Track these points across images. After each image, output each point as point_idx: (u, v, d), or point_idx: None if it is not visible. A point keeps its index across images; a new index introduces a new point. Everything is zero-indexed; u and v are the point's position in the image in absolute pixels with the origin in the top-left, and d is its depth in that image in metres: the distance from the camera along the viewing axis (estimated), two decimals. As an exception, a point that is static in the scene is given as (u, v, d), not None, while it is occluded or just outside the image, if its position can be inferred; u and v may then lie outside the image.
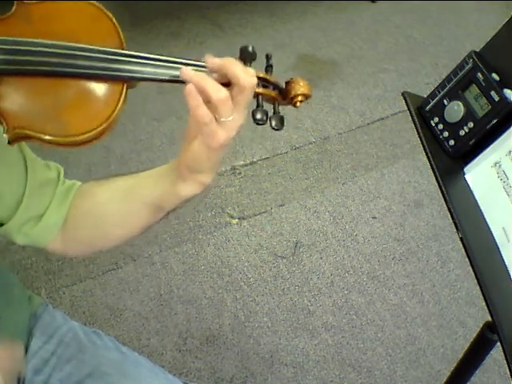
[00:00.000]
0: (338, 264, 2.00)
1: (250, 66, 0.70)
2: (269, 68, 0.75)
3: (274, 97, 0.75)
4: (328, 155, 2.36)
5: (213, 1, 2.97)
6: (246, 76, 0.65)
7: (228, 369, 1.70)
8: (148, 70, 0.67)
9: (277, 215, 2.12)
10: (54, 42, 0.64)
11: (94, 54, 0.64)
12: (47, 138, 0.63)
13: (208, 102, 0.65)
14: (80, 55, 0.64)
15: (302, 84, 0.74)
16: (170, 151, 2.20)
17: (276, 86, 0.75)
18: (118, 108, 0.65)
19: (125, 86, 0.66)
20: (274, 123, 0.71)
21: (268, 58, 0.76)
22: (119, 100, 0.66)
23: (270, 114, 0.72)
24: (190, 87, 0.64)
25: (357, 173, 2.30)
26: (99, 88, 0.65)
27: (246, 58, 0.71)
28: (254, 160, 2.29)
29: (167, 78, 0.68)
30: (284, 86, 0.76)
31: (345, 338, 1.81)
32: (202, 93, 0.64)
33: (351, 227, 2.11)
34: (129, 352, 0.99)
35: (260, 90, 0.71)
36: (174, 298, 1.84)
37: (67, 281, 1.85)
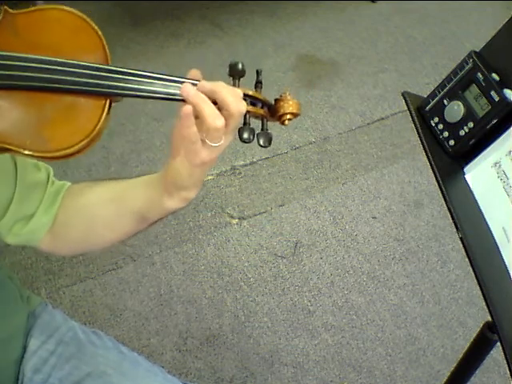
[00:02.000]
0: (338, 264, 2.00)
1: (239, 83, 0.70)
2: (258, 84, 0.74)
3: (263, 114, 0.73)
4: (328, 155, 2.36)
5: (213, 1, 2.97)
6: (236, 103, 0.65)
7: (228, 369, 1.70)
8: (132, 87, 0.66)
9: (277, 215, 2.12)
10: (37, 57, 0.63)
11: (77, 70, 0.63)
12: (27, 152, 0.62)
13: (196, 118, 0.65)
14: (63, 70, 0.63)
15: (291, 103, 0.74)
16: (170, 151, 2.20)
17: (265, 104, 0.74)
18: (100, 123, 0.64)
19: (107, 101, 0.65)
20: (261, 141, 0.70)
21: (258, 73, 0.75)
22: (101, 115, 0.64)
23: (258, 130, 0.71)
24: (188, 110, 0.64)
25: (357, 173, 2.30)
26: (81, 103, 0.64)
27: (235, 74, 0.70)
28: (254, 160, 2.29)
29: (152, 94, 0.67)
30: (273, 103, 0.75)
31: (345, 338, 1.81)
32: (197, 113, 0.64)
33: (351, 227, 2.11)
34: (128, 352, 0.99)
35: (248, 107, 0.70)
36: (174, 298, 1.84)
37: (67, 281, 1.85)
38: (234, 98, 0.66)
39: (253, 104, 0.72)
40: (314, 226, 2.10)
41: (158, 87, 0.67)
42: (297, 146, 2.37)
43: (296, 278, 1.94)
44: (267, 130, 0.72)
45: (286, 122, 0.74)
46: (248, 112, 0.70)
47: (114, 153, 2.22)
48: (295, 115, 0.74)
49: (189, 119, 0.64)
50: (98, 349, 0.96)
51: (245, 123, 0.70)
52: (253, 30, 2.88)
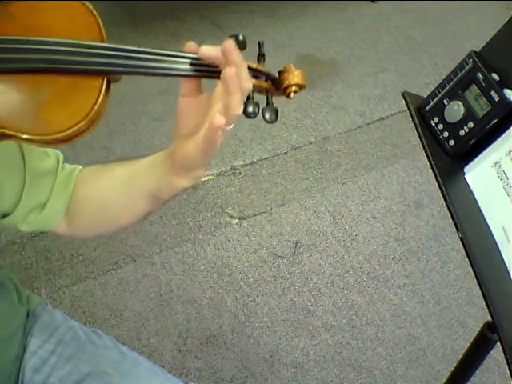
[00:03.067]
0: (338, 264, 2.00)
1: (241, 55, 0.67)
2: (261, 57, 0.72)
3: (267, 88, 0.71)
4: (328, 155, 2.36)
5: (213, 1, 2.97)
6: (247, 80, 0.64)
7: (228, 369, 1.70)
8: (128, 63, 0.65)
9: (277, 215, 2.12)
10: (33, 38, 0.62)
11: (72, 49, 0.63)
12: (25, 136, 0.61)
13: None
14: (57, 50, 0.62)
15: (295, 73, 0.71)
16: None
17: (268, 77, 0.72)
18: (98, 103, 0.63)
19: (105, 80, 0.64)
20: (267, 115, 0.67)
21: (260, 45, 0.73)
22: (99, 95, 0.63)
23: (263, 106, 0.68)
24: (231, 71, 0.61)
25: (357, 173, 2.30)
26: (78, 84, 0.63)
27: (237, 47, 0.67)
28: (254, 160, 2.29)
29: (149, 70, 0.66)
30: (277, 76, 0.72)
31: (345, 338, 1.81)
32: (226, 100, 0.62)
33: (351, 227, 2.11)
34: (128, 352, 0.99)
35: (252, 81, 0.67)
36: (174, 298, 1.84)
37: (67, 281, 1.85)
38: (248, 76, 0.65)
39: (256, 77, 0.70)
40: (313, 226, 2.10)
41: (156, 63, 0.67)
42: (297, 146, 2.37)
43: (296, 277, 1.94)
44: (273, 104, 0.69)
45: (292, 94, 0.72)
46: (252, 86, 0.67)
47: (114, 153, 2.22)
48: (301, 86, 0.72)
49: (220, 131, 0.62)
50: (98, 348, 0.96)
51: (248, 97, 0.66)
52: (253, 29, 2.88)
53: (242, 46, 0.66)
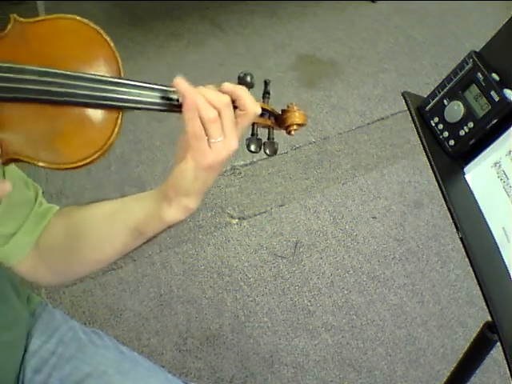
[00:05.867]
0: (338, 264, 2.00)
1: None
2: (266, 95, 0.76)
3: (270, 125, 0.76)
4: (328, 155, 2.36)
5: (213, 1, 2.97)
6: (254, 104, 0.68)
7: (228, 369, 1.70)
8: (146, 100, 0.67)
9: (277, 215, 2.12)
10: (49, 70, 0.62)
11: (90, 84, 0.63)
12: (41, 164, 0.62)
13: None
14: (76, 84, 0.62)
15: (297, 114, 0.76)
16: (170, 151, 2.20)
17: (272, 114, 0.76)
18: (113, 136, 0.64)
19: (120, 114, 0.65)
20: (268, 151, 0.73)
21: (266, 84, 0.77)
22: (114, 128, 0.64)
23: (264, 139, 0.73)
24: (189, 100, 0.65)
25: (357, 173, 2.30)
26: (94, 116, 0.64)
27: (244, 86, 0.70)
28: (254, 160, 2.29)
29: (164, 107, 0.68)
30: (280, 113, 0.77)
31: (345, 337, 1.81)
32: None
33: (351, 227, 2.11)
34: (128, 352, 0.99)
35: (256, 119, 0.71)
36: (174, 298, 1.84)
37: (67, 281, 1.85)
38: (251, 100, 0.68)
39: (261, 115, 0.73)
40: (313, 226, 2.10)
41: (171, 101, 0.68)
42: (297, 146, 2.37)
43: (296, 277, 1.94)
44: (273, 139, 0.75)
45: (292, 132, 0.77)
46: (256, 123, 0.72)
47: (114, 153, 2.22)
48: (301, 126, 0.77)
49: (192, 111, 0.65)
50: (98, 348, 0.96)
51: (252, 133, 0.72)
52: (253, 29, 2.88)
53: (249, 85, 0.71)
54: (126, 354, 0.98)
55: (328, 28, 2.98)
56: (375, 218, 2.15)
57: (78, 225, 0.80)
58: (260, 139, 0.72)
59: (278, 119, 0.77)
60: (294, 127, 0.76)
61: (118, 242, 0.77)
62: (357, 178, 2.28)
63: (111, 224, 0.76)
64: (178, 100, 0.68)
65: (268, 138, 0.74)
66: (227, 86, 0.69)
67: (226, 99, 0.67)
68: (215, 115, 0.65)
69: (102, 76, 0.64)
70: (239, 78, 0.71)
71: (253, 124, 0.72)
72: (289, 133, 0.77)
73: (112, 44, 0.66)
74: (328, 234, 2.08)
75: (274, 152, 0.73)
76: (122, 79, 0.65)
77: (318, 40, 2.90)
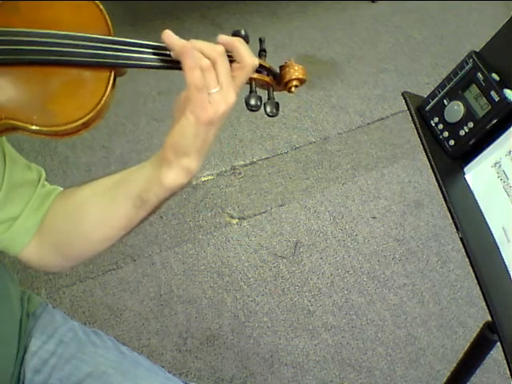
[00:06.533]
0: (338, 264, 2.00)
1: None
2: (262, 52, 0.74)
3: (268, 82, 0.73)
4: (328, 155, 2.36)
5: (213, 1, 2.97)
6: (250, 55, 0.67)
7: (228, 369, 1.70)
8: (136, 56, 0.66)
9: (277, 215, 2.12)
10: (41, 31, 0.63)
11: (79, 42, 0.64)
12: (34, 128, 0.62)
13: None
14: (66, 43, 0.63)
15: (296, 68, 0.73)
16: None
17: (270, 71, 0.73)
18: (105, 96, 0.64)
19: (112, 73, 0.65)
20: (268, 109, 0.69)
21: (261, 41, 0.74)
22: (106, 88, 0.64)
23: (265, 100, 0.70)
24: (185, 44, 0.64)
25: (357, 173, 2.30)
26: (86, 76, 0.64)
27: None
28: (254, 160, 2.29)
29: (157, 63, 0.67)
30: (278, 71, 0.74)
31: (345, 337, 1.81)
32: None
33: (351, 227, 2.11)
34: (128, 352, 0.99)
35: (254, 75, 0.70)
36: (174, 298, 1.84)
37: (67, 281, 1.85)
38: (248, 51, 0.67)
39: (258, 72, 0.71)
40: (314, 226, 2.10)
41: (161, 56, 0.67)
42: (297, 146, 2.37)
43: (296, 277, 1.94)
44: (274, 98, 0.71)
45: (293, 88, 0.73)
46: (254, 79, 0.70)
47: (114, 153, 2.22)
48: (301, 81, 0.73)
49: (191, 57, 0.64)
50: (98, 349, 0.96)
51: (251, 91, 0.69)
52: (253, 29, 2.85)
53: (244, 40, 0.68)
54: (126, 354, 0.98)
55: (328, 28, 2.98)
56: (375, 217, 2.15)
57: (79, 203, 0.79)
58: (260, 96, 0.69)
59: (277, 77, 0.74)
60: (294, 83, 0.73)
61: (121, 215, 0.74)
62: (357, 178, 2.28)
63: (112, 197, 0.75)
64: (170, 55, 0.67)
65: (268, 98, 0.71)
66: (223, 37, 0.68)
67: (220, 48, 0.66)
68: (207, 63, 0.64)
69: (93, 35, 0.65)
70: (233, 33, 0.69)
71: (250, 81, 0.69)
72: (289, 90, 0.73)
73: (101, 6, 0.67)
74: (328, 234, 2.08)
75: (277, 110, 0.70)
76: (113, 37, 0.66)
77: (318, 40, 2.90)
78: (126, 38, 0.66)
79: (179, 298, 1.84)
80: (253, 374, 1.70)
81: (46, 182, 0.83)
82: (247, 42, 0.69)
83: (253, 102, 0.68)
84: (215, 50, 0.66)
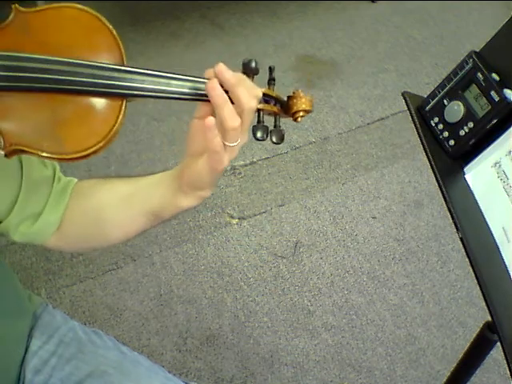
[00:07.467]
0: (338, 264, 2.00)
1: (252, 81, 0.70)
2: (271, 82, 0.74)
3: (276, 112, 0.74)
4: (328, 155, 2.36)
5: (213, 1, 2.97)
6: (248, 100, 0.66)
7: (228, 369, 1.70)
8: (149, 87, 0.66)
9: (277, 215, 2.12)
10: (53, 58, 0.62)
11: (93, 71, 0.62)
12: (44, 154, 0.62)
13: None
14: (80, 72, 0.62)
15: (304, 100, 0.74)
16: (170, 151, 2.20)
17: (278, 101, 0.74)
18: (116, 124, 0.63)
19: (124, 101, 0.65)
20: (274, 139, 0.71)
21: (271, 70, 0.75)
22: (118, 117, 0.64)
23: (271, 127, 0.71)
24: (211, 121, 0.63)
25: (357, 173, 2.30)
26: (98, 104, 0.63)
27: (248, 72, 0.69)
28: (254, 160, 2.29)
29: (169, 95, 0.67)
30: (286, 100, 0.75)
31: (345, 337, 1.81)
32: (217, 113, 0.65)
33: (351, 227, 2.11)
34: (128, 351, 0.99)
35: (261, 105, 0.70)
36: (174, 298, 1.84)
37: (67, 281, 1.85)
38: (247, 95, 0.66)
39: (266, 101, 0.72)
40: (314, 226, 2.10)
41: (175, 87, 0.67)
42: (297, 146, 2.37)
43: (296, 277, 1.94)
44: (280, 126, 0.73)
45: (299, 118, 0.75)
46: (262, 110, 0.71)
47: (114, 153, 2.22)
48: (308, 112, 0.75)
49: (213, 131, 0.64)
50: (98, 348, 0.96)
51: (258, 121, 0.70)
52: (253, 29, 2.88)
53: (254, 71, 0.69)
54: (127, 353, 0.98)
55: (328, 28, 2.98)
56: (375, 217, 2.15)
57: (95, 209, 0.82)
58: (266, 126, 0.70)
59: (284, 106, 0.75)
60: (301, 113, 0.74)
61: (137, 224, 0.80)
62: (357, 178, 2.28)
63: (128, 208, 0.79)
64: (186, 87, 0.67)
65: (274, 126, 0.73)
66: (230, 78, 0.66)
67: (254, 104, 0.66)
68: (239, 123, 0.65)
69: (105, 63, 0.64)
70: (243, 64, 0.69)
71: (258, 111, 0.70)
72: (295, 120, 0.75)
73: (114, 32, 0.66)
74: (328, 234, 2.08)
75: (281, 139, 0.71)
76: (125, 66, 0.65)
77: (318, 40, 2.90)
78: (139, 68, 0.65)
79: (179, 298, 1.84)
80: (253, 374, 1.70)
81: (60, 174, 0.86)
82: (256, 73, 0.69)
83: (259, 134, 0.69)
84: (250, 105, 0.65)
